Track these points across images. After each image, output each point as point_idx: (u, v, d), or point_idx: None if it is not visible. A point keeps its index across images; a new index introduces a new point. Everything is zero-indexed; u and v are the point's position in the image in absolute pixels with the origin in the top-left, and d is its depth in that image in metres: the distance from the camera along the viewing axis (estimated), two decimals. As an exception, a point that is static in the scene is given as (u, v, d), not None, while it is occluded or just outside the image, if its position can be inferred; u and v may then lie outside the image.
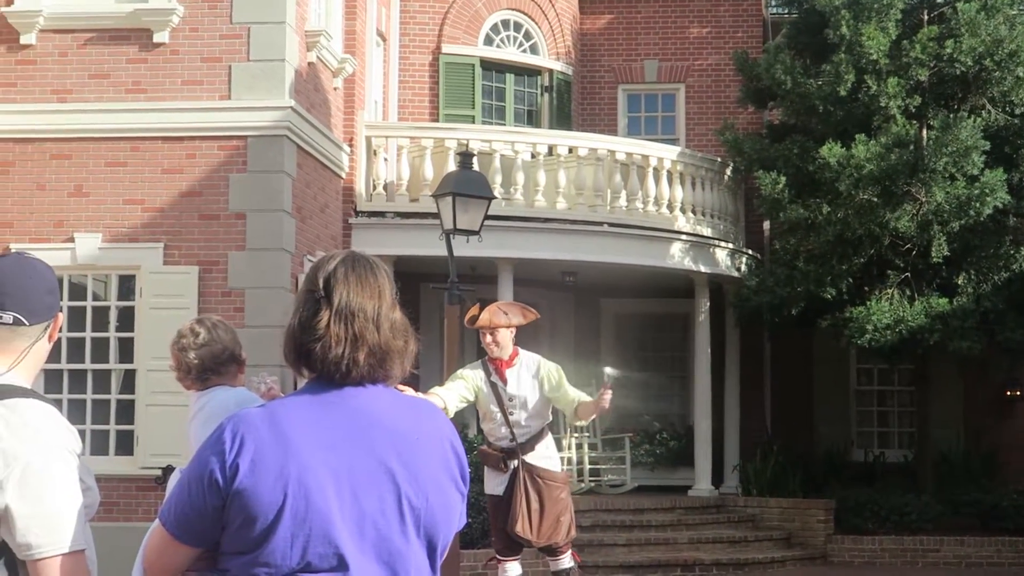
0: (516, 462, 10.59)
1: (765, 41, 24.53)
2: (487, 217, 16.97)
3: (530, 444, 10.64)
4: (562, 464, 11.93)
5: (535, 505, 10.56)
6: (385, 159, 20.50)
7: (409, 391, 9.59)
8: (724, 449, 23.21)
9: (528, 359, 10.72)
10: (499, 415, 10.58)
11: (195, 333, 6.53)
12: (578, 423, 10.73)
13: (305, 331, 3.59)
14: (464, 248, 17.07)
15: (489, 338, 10.54)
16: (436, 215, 16.97)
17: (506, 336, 10.58)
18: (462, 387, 10.46)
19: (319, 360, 3.57)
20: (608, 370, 10.52)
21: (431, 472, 3.61)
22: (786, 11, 23.96)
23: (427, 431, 3.66)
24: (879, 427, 25.09)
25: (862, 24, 20.59)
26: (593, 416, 10.64)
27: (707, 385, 22.31)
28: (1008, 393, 24.09)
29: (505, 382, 10.55)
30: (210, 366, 6.52)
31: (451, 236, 16.29)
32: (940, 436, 22.87)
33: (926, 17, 21.72)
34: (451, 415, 10.34)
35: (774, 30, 24.77)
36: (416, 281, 21.21)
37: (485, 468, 10.98)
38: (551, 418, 10.93)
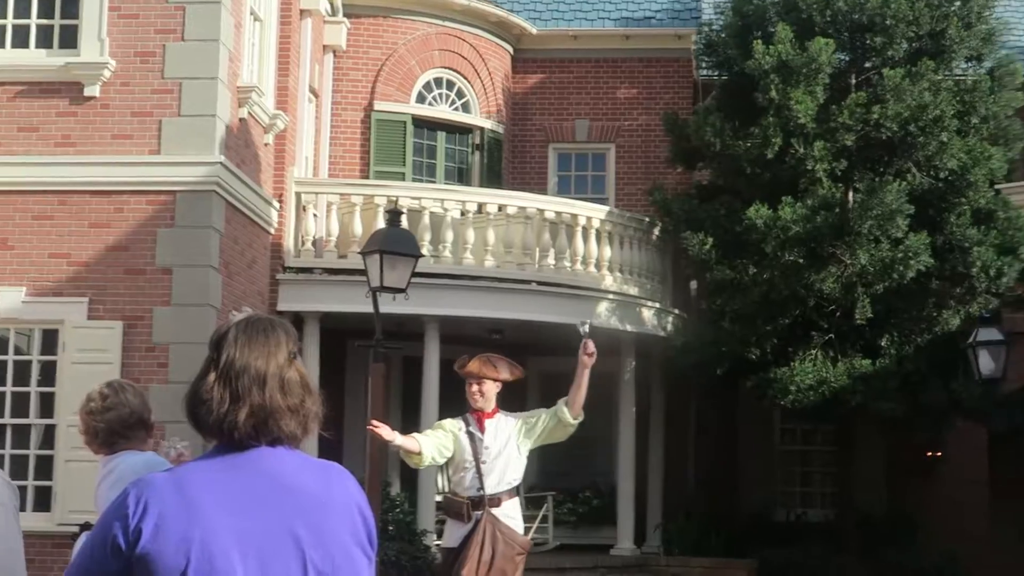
0: (481, 513, 10.54)
1: (695, 103, 24.67)
2: (415, 274, 17.03)
3: (498, 498, 10.59)
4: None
5: (486, 556, 10.47)
6: (315, 215, 20.52)
7: (385, 430, 9.69)
8: (647, 508, 23.23)
9: (507, 416, 10.71)
10: (472, 464, 10.54)
11: (103, 396, 6.49)
12: (577, 418, 10.60)
13: (195, 393, 3.61)
14: (391, 305, 17.09)
15: (475, 387, 10.52)
16: (364, 272, 17.00)
17: (492, 389, 10.55)
18: (442, 436, 10.39)
19: (204, 422, 3.58)
20: (580, 323, 10.48)
21: (338, 537, 3.61)
22: (716, 74, 24.04)
23: (335, 495, 3.66)
24: (803, 487, 25.21)
25: (791, 88, 20.79)
26: (585, 383, 10.47)
27: (631, 444, 22.34)
28: (929, 455, 24.29)
29: (483, 432, 10.54)
30: (117, 430, 6.48)
31: (378, 293, 16.32)
32: (863, 497, 22.92)
33: (854, 82, 21.96)
34: (426, 463, 10.33)
35: (704, 92, 24.91)
36: (343, 338, 21.19)
37: (447, 521, 10.92)
38: (520, 479, 10.84)
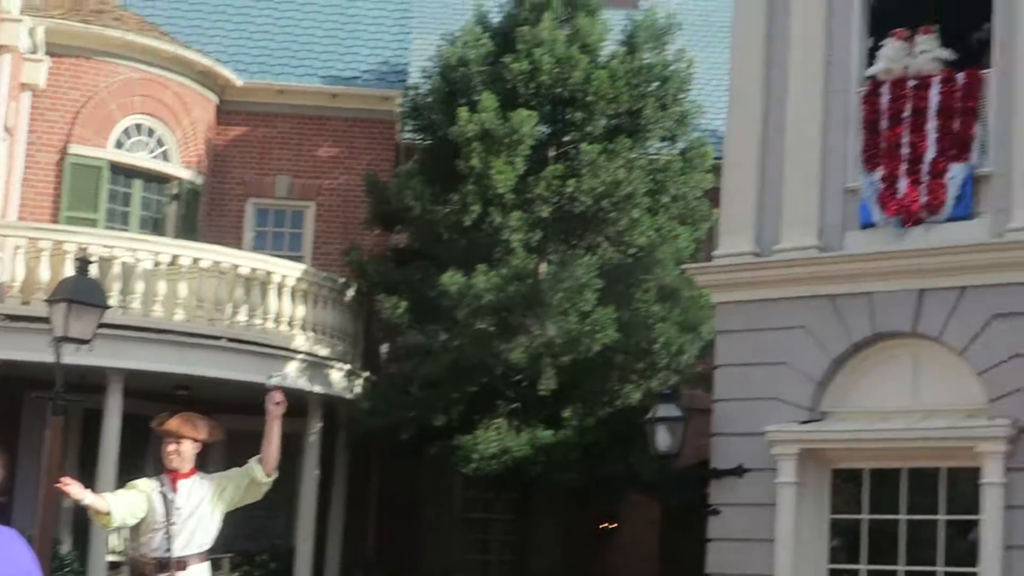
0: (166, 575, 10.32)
1: (397, 165, 24.74)
2: (101, 325, 16.70)
3: (185, 562, 10.37)
4: None
5: None
6: (0, 258, 19.95)
7: (75, 488, 9.40)
8: (324, 573, 23.01)
9: (203, 477, 10.47)
10: (162, 525, 10.29)
11: None
12: (270, 476, 10.38)
13: None
14: (75, 356, 16.71)
15: (173, 447, 10.25)
16: (48, 320, 16.60)
17: (190, 449, 10.28)
18: (134, 497, 10.09)
19: None
20: (270, 375, 10.37)
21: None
22: (420, 137, 24.15)
23: (4, 560, 3.60)
24: (482, 555, 25.39)
25: (492, 157, 21.12)
26: (276, 438, 10.26)
27: (312, 506, 22.13)
28: (604, 526, 24.75)
29: (176, 492, 10.30)
30: None
31: (60, 343, 15.95)
32: (539, 566, 23.16)
33: (553, 154, 22.41)
34: (115, 524, 10.04)
35: (407, 155, 25.04)
36: (20, 388, 20.54)
37: None
38: (211, 544, 10.62)
